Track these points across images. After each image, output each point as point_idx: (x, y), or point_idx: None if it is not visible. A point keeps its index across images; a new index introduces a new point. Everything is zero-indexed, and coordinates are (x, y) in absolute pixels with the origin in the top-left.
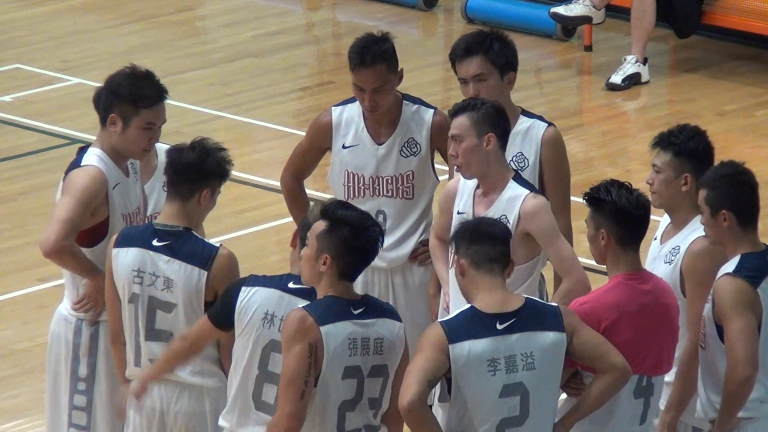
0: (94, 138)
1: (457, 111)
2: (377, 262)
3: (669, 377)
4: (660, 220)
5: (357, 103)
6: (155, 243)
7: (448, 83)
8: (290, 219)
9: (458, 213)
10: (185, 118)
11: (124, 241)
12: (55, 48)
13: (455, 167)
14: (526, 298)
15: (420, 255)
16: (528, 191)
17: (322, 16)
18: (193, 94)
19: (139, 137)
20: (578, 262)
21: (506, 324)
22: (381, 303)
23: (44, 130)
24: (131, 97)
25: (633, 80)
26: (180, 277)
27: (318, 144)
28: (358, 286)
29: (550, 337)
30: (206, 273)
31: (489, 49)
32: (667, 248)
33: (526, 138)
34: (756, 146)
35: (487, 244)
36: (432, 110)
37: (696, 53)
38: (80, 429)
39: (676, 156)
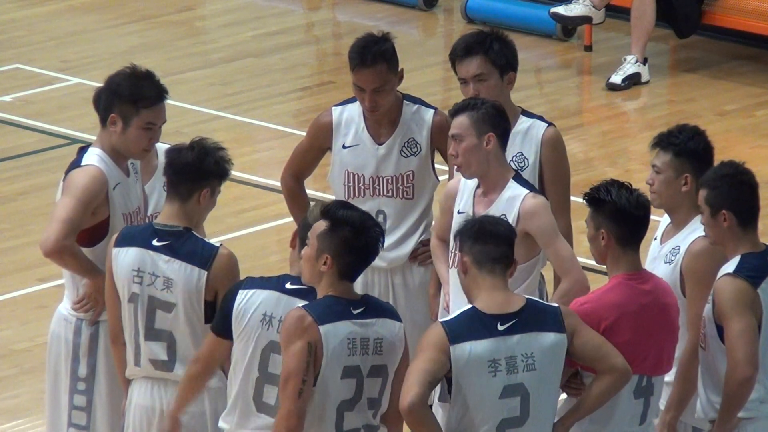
0: (94, 138)
1: (457, 111)
2: (377, 262)
3: (669, 377)
4: (660, 220)
5: (357, 103)
6: (155, 243)
7: (448, 83)
8: (290, 219)
9: (458, 212)
10: (185, 118)
11: (124, 241)
12: (55, 48)
13: (455, 167)
14: (527, 298)
15: (420, 255)
16: (528, 191)
17: (322, 16)
18: (193, 94)
19: (140, 137)
20: (577, 262)
21: (507, 325)
22: (381, 303)
23: (44, 130)
24: (131, 97)
25: (633, 80)
26: (180, 276)
27: (318, 144)
28: (358, 286)
29: (550, 338)
30: (206, 273)
31: (489, 49)
32: (667, 248)
33: (526, 138)
34: (756, 146)
35: (490, 243)
36: (432, 110)
37: (696, 53)
38: (80, 429)
39: (676, 156)
